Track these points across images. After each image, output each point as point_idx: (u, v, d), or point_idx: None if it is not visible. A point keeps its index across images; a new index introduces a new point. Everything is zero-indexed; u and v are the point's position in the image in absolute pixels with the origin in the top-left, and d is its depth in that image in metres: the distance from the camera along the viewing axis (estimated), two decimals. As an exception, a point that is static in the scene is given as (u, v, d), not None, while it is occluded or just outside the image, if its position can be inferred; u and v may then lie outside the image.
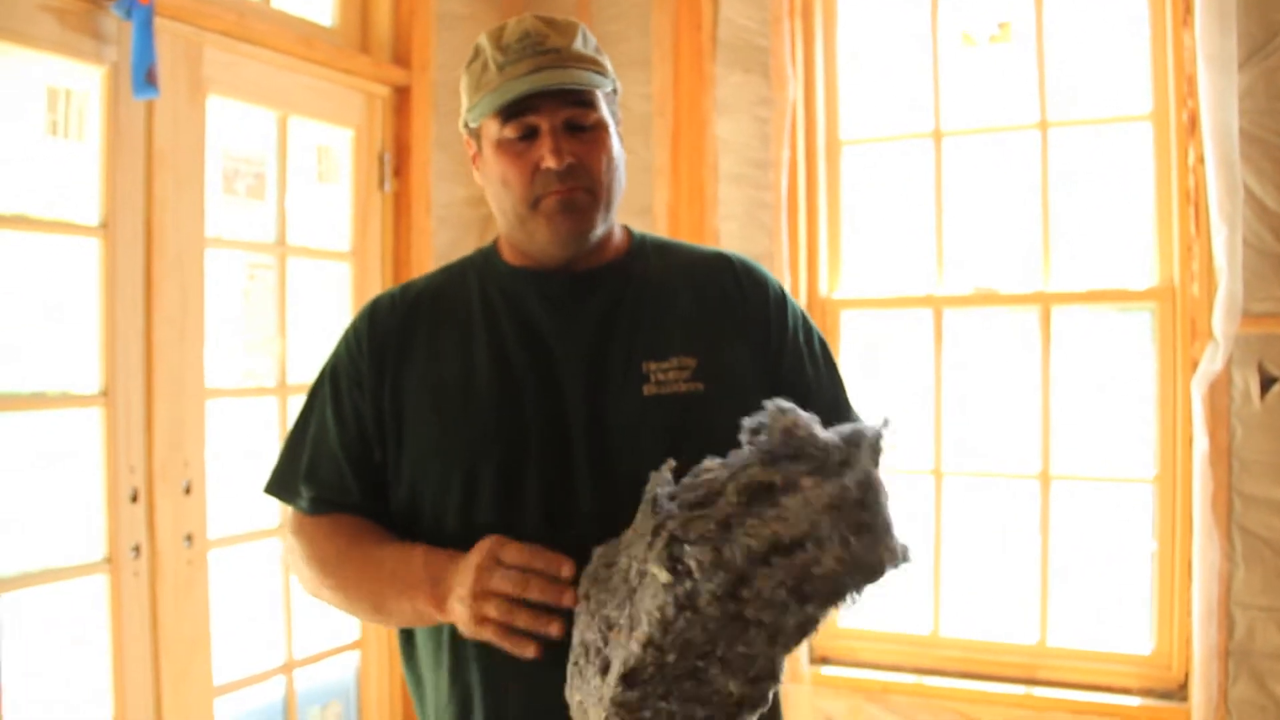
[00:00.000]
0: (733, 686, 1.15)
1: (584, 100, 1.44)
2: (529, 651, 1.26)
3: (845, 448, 1.19)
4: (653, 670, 1.12)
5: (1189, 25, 2.83)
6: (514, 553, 1.28)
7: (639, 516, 1.23)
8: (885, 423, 1.22)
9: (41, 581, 2.41)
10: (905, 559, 1.14)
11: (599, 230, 1.48)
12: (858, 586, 1.13)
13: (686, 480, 1.24)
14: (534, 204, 1.44)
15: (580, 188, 1.43)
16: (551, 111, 1.42)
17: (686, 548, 1.13)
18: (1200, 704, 2.79)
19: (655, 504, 1.20)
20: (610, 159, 1.47)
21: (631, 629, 1.14)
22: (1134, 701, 2.97)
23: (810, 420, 1.21)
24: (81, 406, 2.48)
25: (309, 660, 2.98)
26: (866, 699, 3.20)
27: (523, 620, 1.25)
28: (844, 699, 3.22)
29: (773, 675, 1.16)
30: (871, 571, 1.12)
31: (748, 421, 1.25)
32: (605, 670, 1.16)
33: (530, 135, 1.43)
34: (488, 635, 1.28)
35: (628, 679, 1.12)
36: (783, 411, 1.22)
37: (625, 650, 1.13)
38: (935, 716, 3.13)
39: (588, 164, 1.43)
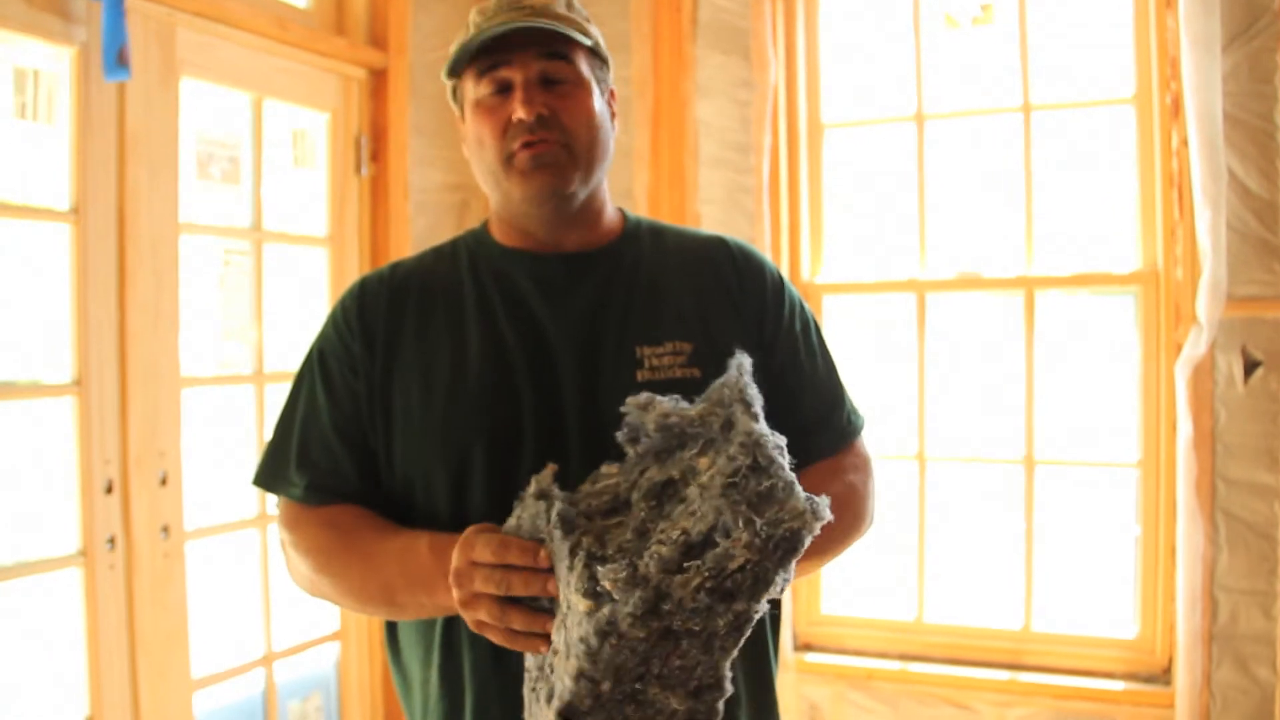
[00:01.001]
0: (675, 703, 1.09)
1: (560, 54, 1.42)
2: (544, 648, 1.19)
3: (720, 409, 1.13)
4: (590, 703, 1.06)
5: (1172, 7, 2.82)
6: (484, 550, 1.20)
7: (528, 517, 1.19)
8: (739, 365, 1.17)
9: (14, 576, 2.37)
10: (818, 516, 1.02)
11: (578, 190, 1.45)
12: (781, 566, 1.03)
13: (586, 487, 1.20)
14: (507, 160, 1.41)
15: (553, 140, 1.39)
16: (524, 64, 1.40)
17: (600, 568, 1.06)
18: (1184, 688, 2.79)
19: (563, 519, 1.14)
20: (590, 116, 1.43)
21: (566, 657, 1.09)
22: (1118, 685, 2.97)
23: (673, 402, 1.17)
24: (53, 396, 2.44)
25: (288, 652, 2.95)
26: (850, 686, 3.19)
27: (517, 621, 1.18)
28: (828, 686, 3.21)
29: (717, 684, 1.10)
30: (789, 545, 1.02)
31: (620, 435, 1.20)
32: (550, 698, 1.12)
33: (505, 91, 1.41)
34: (492, 638, 1.22)
35: (565, 714, 1.07)
36: (645, 407, 1.17)
37: (560, 684, 1.09)
38: (920, 703, 3.12)
39: (562, 118, 1.40)
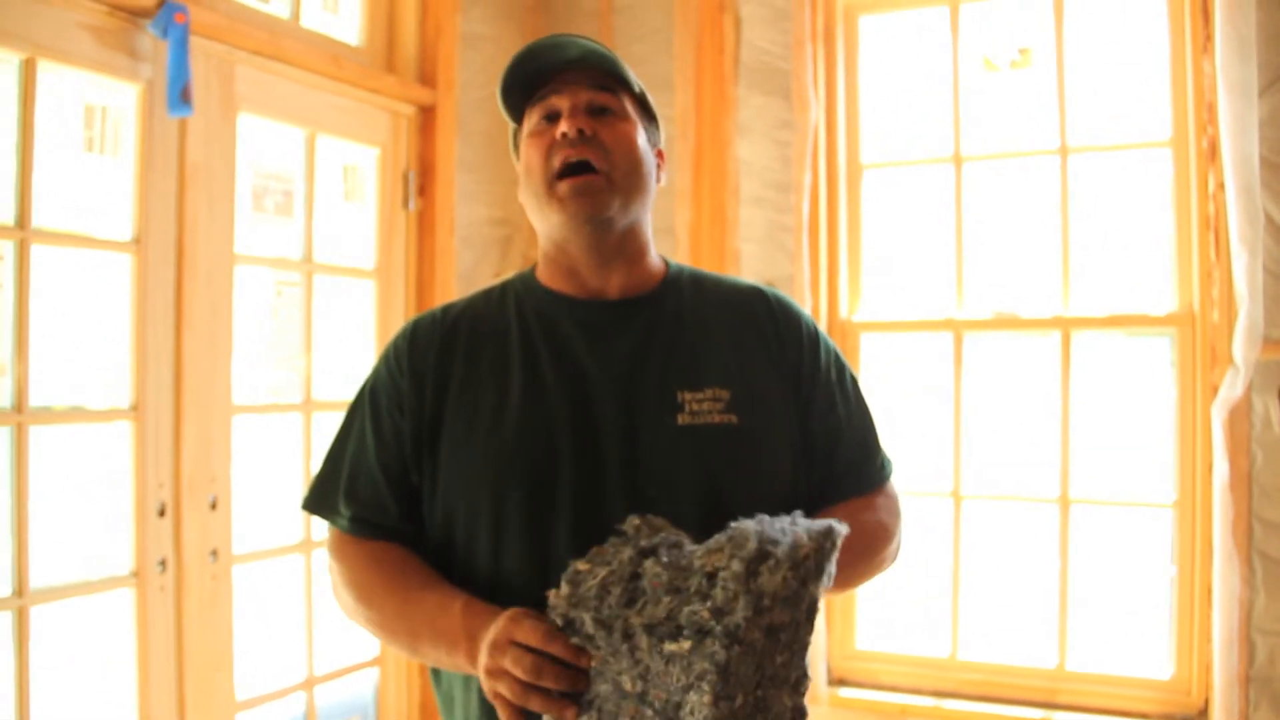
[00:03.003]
0: (787, 699, 1.18)
1: (606, 87, 1.50)
2: None
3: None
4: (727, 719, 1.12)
5: (1209, 53, 2.85)
6: (528, 633, 1.24)
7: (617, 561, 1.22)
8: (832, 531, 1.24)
9: (71, 595, 2.43)
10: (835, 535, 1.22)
11: (615, 216, 1.49)
12: (827, 557, 1.21)
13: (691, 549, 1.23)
14: (550, 185, 1.47)
15: (595, 169, 1.45)
16: (573, 92, 1.48)
17: (694, 604, 1.14)
18: (1220, 730, 2.79)
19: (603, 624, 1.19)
20: (630, 144, 1.50)
21: (673, 696, 1.14)
22: (1153, 727, 2.97)
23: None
24: (112, 420, 2.50)
25: (329, 676, 2.99)
26: (884, 721, 3.20)
27: (536, 704, 1.22)
28: (861, 721, 3.22)
29: (805, 674, 1.21)
30: (814, 599, 1.20)
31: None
32: None
33: (553, 118, 1.49)
34: (500, 711, 1.26)
35: None
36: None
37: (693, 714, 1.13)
38: (953, 739, 3.12)
39: (603, 138, 1.47)
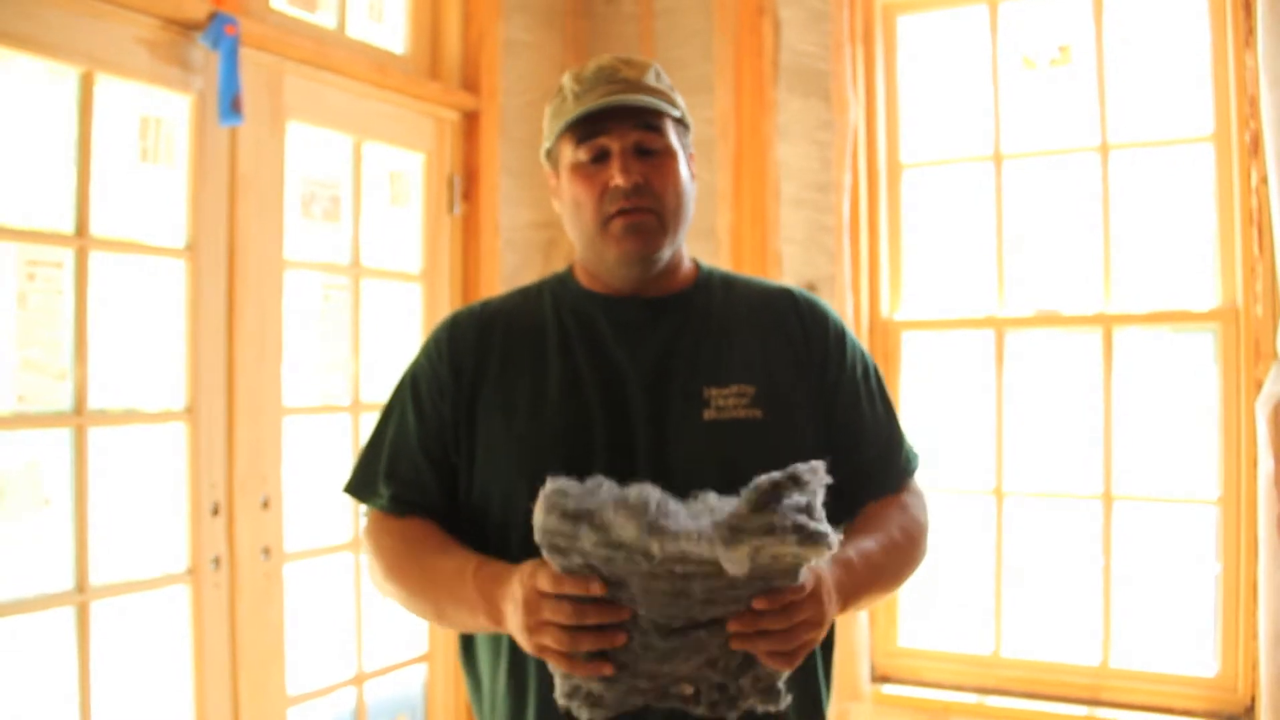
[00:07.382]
0: None
1: (653, 126, 1.53)
2: (606, 670, 1.26)
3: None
4: None
5: (1251, 46, 2.84)
6: (546, 581, 1.26)
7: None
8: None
9: (129, 591, 2.49)
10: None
11: (664, 253, 1.56)
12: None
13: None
14: (604, 224, 1.52)
15: (646, 209, 1.51)
16: (622, 134, 1.51)
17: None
18: (1267, 726, 2.78)
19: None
20: (677, 184, 1.55)
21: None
22: (1199, 723, 2.96)
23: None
24: (167, 422, 2.57)
25: (379, 673, 3.05)
26: (928, 719, 3.21)
27: (587, 644, 1.25)
28: (905, 718, 3.23)
29: None
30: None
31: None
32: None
33: (602, 158, 1.52)
34: (553, 661, 1.28)
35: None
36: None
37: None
38: (997, 736, 3.13)
39: (654, 185, 1.51)
